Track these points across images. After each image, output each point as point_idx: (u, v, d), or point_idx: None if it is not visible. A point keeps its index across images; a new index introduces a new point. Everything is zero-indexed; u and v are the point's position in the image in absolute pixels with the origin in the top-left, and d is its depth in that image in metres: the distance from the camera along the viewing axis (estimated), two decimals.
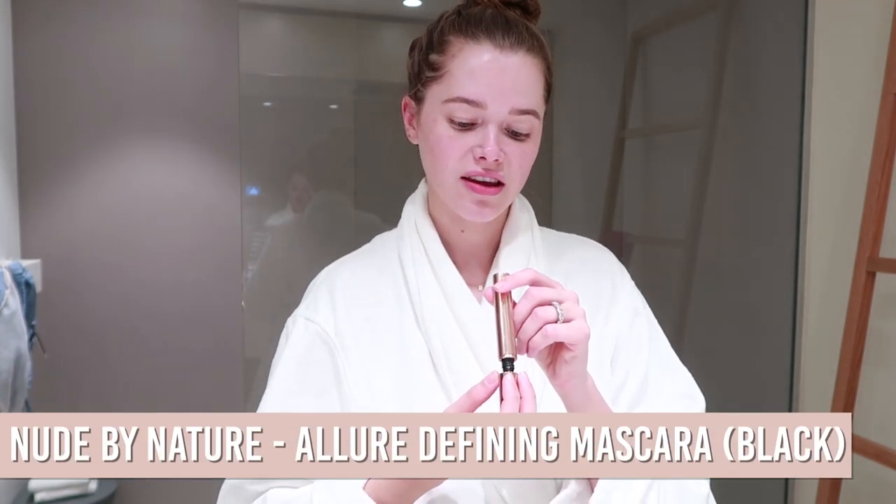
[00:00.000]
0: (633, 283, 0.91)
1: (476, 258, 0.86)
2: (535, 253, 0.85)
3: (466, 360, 0.78)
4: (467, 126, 0.76)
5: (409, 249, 0.84)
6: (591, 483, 0.74)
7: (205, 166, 2.42)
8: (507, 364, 0.67)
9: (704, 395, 0.87)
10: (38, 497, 2.11)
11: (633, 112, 2.58)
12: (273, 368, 0.84)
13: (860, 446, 1.61)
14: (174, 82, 2.38)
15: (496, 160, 0.75)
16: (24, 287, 1.82)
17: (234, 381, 2.43)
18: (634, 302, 0.88)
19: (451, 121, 0.77)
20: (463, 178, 0.77)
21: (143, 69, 2.35)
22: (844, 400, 1.66)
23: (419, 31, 0.85)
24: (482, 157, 0.75)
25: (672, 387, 0.85)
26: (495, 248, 0.86)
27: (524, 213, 0.88)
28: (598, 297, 0.86)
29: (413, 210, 0.87)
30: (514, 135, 0.77)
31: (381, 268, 0.86)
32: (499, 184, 0.77)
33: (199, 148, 2.42)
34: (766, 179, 2.05)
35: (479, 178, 0.77)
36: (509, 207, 0.87)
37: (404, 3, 2.52)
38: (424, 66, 0.80)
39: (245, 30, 2.33)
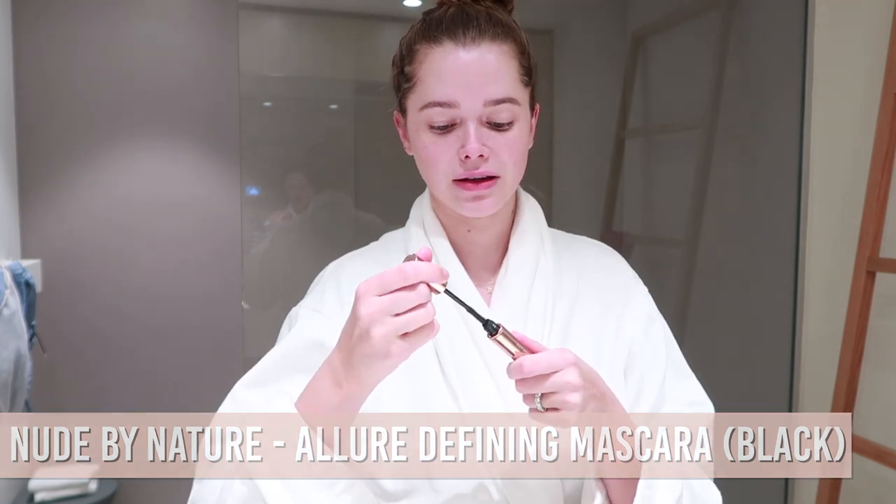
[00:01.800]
0: (646, 289, 0.90)
1: (484, 259, 0.85)
2: (544, 254, 0.85)
3: (474, 362, 0.78)
4: (446, 128, 0.77)
5: (417, 248, 0.84)
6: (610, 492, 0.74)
7: (205, 166, 2.42)
8: (491, 326, 0.65)
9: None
10: (38, 497, 2.11)
11: (633, 112, 2.58)
12: (276, 344, 0.82)
13: (860, 446, 1.61)
14: (174, 82, 2.38)
15: (480, 156, 0.75)
16: (24, 287, 1.82)
17: (234, 381, 2.40)
18: (649, 308, 0.88)
19: (431, 126, 0.77)
20: (455, 181, 0.78)
21: (143, 69, 2.35)
22: (844, 400, 1.66)
23: None
24: (466, 157, 0.75)
25: (681, 394, 0.84)
26: (504, 250, 0.85)
27: (533, 215, 0.87)
28: (610, 299, 0.86)
29: (420, 211, 0.87)
30: (497, 126, 0.77)
31: (388, 264, 0.85)
32: (491, 177, 0.77)
33: (199, 148, 2.41)
34: (766, 179, 2.05)
35: (470, 177, 0.77)
36: (517, 209, 0.87)
37: (404, 2, 2.51)
38: (400, 78, 0.81)
39: (245, 30, 2.33)
